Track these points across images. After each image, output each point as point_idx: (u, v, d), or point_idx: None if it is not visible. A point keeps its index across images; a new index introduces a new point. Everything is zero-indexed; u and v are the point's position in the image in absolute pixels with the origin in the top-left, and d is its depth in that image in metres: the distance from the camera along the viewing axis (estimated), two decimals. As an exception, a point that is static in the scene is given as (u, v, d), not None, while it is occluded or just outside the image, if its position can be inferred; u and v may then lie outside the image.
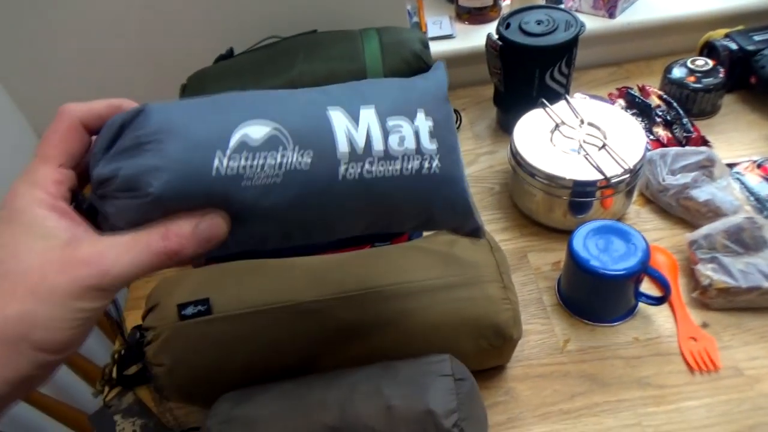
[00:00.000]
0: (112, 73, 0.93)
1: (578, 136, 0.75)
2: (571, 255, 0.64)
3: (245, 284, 0.59)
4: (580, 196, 0.72)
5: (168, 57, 0.94)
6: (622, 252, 0.62)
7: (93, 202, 0.32)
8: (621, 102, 0.93)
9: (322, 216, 0.35)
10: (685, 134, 0.84)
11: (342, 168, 0.34)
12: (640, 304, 0.68)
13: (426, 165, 0.37)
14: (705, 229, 0.68)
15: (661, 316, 0.67)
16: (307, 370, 0.56)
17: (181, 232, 0.31)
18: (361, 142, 0.35)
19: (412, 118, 0.37)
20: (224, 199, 0.32)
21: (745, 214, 0.69)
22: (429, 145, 0.37)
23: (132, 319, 0.75)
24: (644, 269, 0.62)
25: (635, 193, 0.79)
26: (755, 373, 0.61)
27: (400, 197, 0.37)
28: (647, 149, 0.76)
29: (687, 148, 0.79)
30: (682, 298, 0.68)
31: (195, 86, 0.78)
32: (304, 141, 0.33)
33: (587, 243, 0.64)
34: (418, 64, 0.76)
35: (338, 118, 0.35)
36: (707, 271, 0.66)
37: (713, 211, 0.72)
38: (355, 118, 0.35)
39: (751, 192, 0.77)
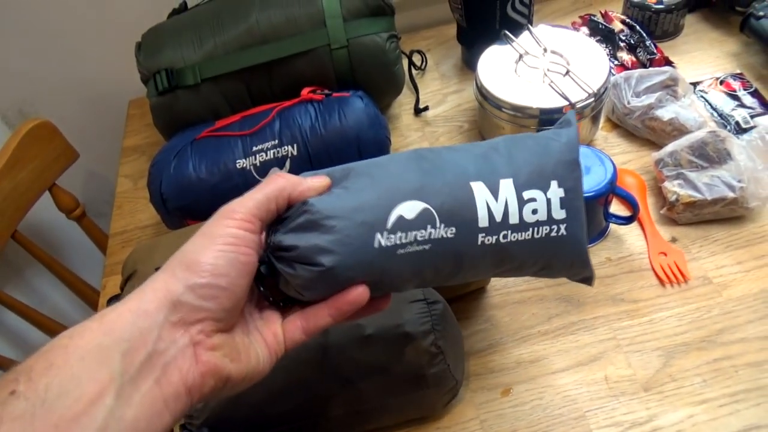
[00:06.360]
0: (64, 44, 0.90)
1: (542, 65, 0.75)
2: (541, 182, 0.64)
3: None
4: (548, 125, 0.72)
5: (119, 18, 0.91)
6: (591, 175, 0.63)
7: (272, 261, 0.37)
8: (585, 30, 0.92)
9: (456, 269, 0.40)
10: (648, 56, 0.84)
11: (480, 237, 0.39)
12: (611, 225, 0.69)
13: (555, 230, 0.41)
14: (670, 147, 0.69)
15: (632, 235, 0.69)
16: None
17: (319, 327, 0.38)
18: (498, 216, 0.39)
19: (545, 189, 0.40)
20: (381, 270, 0.37)
21: (708, 129, 0.70)
22: (559, 214, 0.40)
23: (112, 286, 0.75)
24: (612, 190, 0.63)
25: (602, 119, 0.79)
26: (722, 280, 0.63)
27: (527, 255, 0.41)
28: (611, 73, 0.76)
29: (650, 69, 0.79)
30: (651, 215, 0.70)
31: (151, 43, 0.76)
32: (451, 218, 0.38)
33: (556, 169, 0.64)
34: (376, 3, 0.74)
35: (480, 192, 0.39)
36: (674, 187, 0.67)
37: (678, 129, 0.73)
38: (494, 192, 0.39)
39: (714, 108, 0.78)
